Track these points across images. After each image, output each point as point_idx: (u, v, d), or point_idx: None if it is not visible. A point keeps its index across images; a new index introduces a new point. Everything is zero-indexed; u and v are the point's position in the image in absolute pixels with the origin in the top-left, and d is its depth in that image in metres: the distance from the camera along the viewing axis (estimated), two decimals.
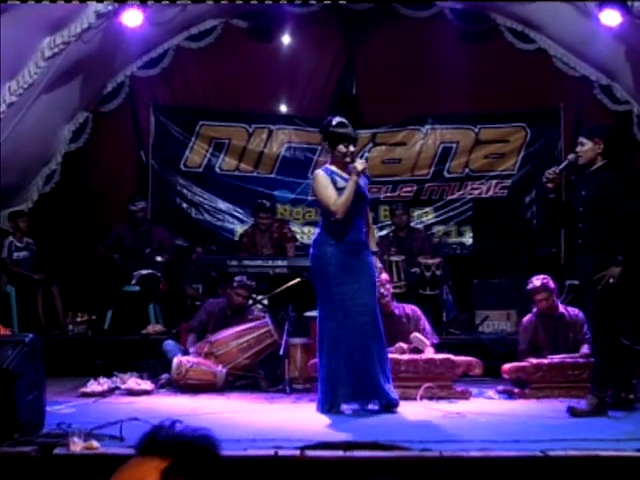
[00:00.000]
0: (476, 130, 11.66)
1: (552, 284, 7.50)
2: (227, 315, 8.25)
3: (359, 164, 6.20)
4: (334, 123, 6.26)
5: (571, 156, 6.30)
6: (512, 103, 11.41)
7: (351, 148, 6.27)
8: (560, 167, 6.25)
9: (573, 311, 7.66)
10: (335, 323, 6.13)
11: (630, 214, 6.04)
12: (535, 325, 7.61)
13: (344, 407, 6.17)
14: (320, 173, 6.28)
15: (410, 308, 7.84)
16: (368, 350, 6.14)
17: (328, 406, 6.12)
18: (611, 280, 5.99)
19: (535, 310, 7.73)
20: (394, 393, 6.23)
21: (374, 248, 6.55)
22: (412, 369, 7.02)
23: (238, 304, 8.22)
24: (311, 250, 6.35)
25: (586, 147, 6.19)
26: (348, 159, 6.23)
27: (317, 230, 6.46)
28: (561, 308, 7.61)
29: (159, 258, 9.81)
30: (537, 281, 7.49)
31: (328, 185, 6.18)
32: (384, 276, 7.61)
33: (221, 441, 2.06)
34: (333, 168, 6.28)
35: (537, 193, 11.12)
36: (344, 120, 6.33)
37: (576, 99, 11.12)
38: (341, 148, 6.23)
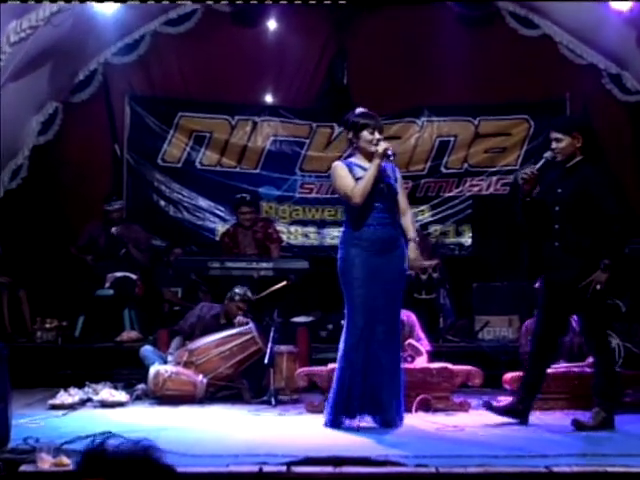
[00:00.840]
0: (476, 122, 11.68)
1: None
2: (219, 324, 8.24)
3: (380, 146, 6.22)
4: (357, 112, 6.37)
5: (548, 154, 6.23)
6: (514, 93, 11.43)
7: (377, 135, 6.29)
8: (537, 166, 6.20)
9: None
10: (355, 331, 6.14)
11: (620, 213, 6.07)
12: None
13: (349, 422, 6.15)
14: (337, 164, 6.36)
15: (405, 314, 7.83)
16: (379, 362, 6.14)
17: (337, 420, 6.11)
18: (598, 287, 6.01)
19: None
20: (400, 412, 6.21)
21: (411, 234, 6.36)
22: (407, 379, 7.00)
23: (237, 317, 8.23)
24: (338, 252, 6.35)
25: (564, 143, 6.17)
26: (373, 148, 6.25)
27: (342, 229, 6.48)
28: None
29: (114, 229, 9.80)
30: None
31: (346, 175, 6.23)
32: None
33: (166, 452, 2.06)
34: (353, 160, 6.33)
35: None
36: (367, 111, 6.40)
37: (583, 89, 11.13)
38: (366, 135, 6.27)
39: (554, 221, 6.21)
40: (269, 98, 11.85)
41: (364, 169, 6.23)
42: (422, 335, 7.79)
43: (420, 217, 11.59)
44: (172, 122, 11.60)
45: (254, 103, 11.80)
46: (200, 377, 7.60)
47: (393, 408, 6.15)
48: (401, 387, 6.26)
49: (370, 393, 6.13)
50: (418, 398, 6.82)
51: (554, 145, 6.21)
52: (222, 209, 11.56)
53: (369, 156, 6.27)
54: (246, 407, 7.32)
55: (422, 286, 9.63)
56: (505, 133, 11.65)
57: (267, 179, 11.64)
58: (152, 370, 7.58)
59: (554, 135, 6.23)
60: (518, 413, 6.29)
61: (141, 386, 7.79)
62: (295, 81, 11.65)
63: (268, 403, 7.37)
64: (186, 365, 7.71)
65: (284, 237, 11.09)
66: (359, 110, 6.39)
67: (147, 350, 8.12)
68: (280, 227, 11.11)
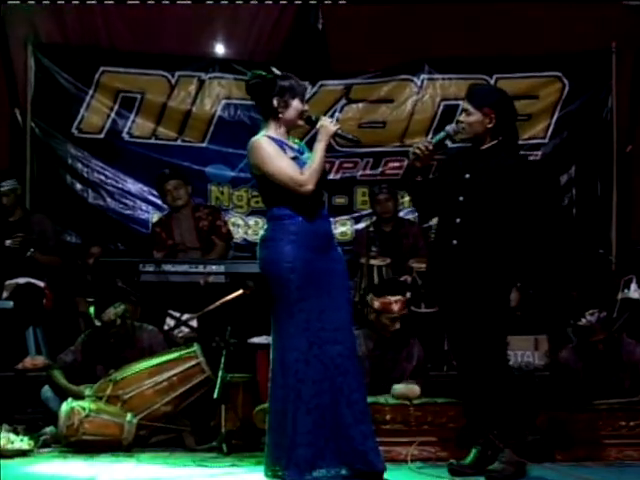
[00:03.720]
0: (492, 81, 11.69)
1: (608, 318, 7.67)
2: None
3: (330, 124, 6.21)
4: (281, 73, 6.26)
5: (451, 127, 6.40)
6: (542, 43, 11.45)
7: (306, 106, 6.30)
8: (435, 140, 6.37)
9: (628, 344, 7.74)
10: (297, 354, 6.09)
11: (541, 221, 6.22)
12: (574, 363, 7.71)
13: (304, 473, 6.12)
14: (262, 139, 6.18)
15: (412, 342, 7.95)
16: (340, 393, 6.11)
17: (280, 470, 6.07)
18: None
19: (575, 342, 7.82)
20: (378, 455, 6.18)
21: None
22: (400, 419, 7.03)
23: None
24: (261, 252, 6.27)
25: (472, 118, 6.32)
26: (301, 121, 6.26)
27: (266, 225, 6.40)
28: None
29: None
30: (591, 316, 7.59)
31: (279, 152, 6.12)
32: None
33: None
34: (276, 136, 6.24)
35: (578, 170, 11.18)
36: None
37: (635, 37, 11.18)
38: (297, 104, 6.23)
39: (455, 214, 6.31)
40: (220, 48, 11.86)
41: (293, 149, 6.22)
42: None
43: None
44: (92, 79, 11.54)
45: (200, 55, 11.80)
46: (128, 416, 7.58)
47: (371, 452, 6.10)
48: (371, 422, 6.24)
49: (338, 437, 6.08)
50: (415, 444, 6.82)
51: (461, 117, 6.39)
52: (158, 194, 11.48)
53: (291, 131, 6.31)
54: (189, 455, 7.32)
55: (421, 296, 9.62)
56: (531, 95, 11.64)
57: (217, 155, 11.62)
58: (64, 407, 7.55)
59: (464, 105, 6.42)
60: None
61: (50, 429, 7.78)
62: (254, 27, 11.65)
63: (218, 450, 7.38)
64: (110, 400, 7.70)
65: (240, 231, 11.09)
66: (278, 72, 6.27)
67: (48, 392, 8.10)
68: (234, 218, 11.11)
